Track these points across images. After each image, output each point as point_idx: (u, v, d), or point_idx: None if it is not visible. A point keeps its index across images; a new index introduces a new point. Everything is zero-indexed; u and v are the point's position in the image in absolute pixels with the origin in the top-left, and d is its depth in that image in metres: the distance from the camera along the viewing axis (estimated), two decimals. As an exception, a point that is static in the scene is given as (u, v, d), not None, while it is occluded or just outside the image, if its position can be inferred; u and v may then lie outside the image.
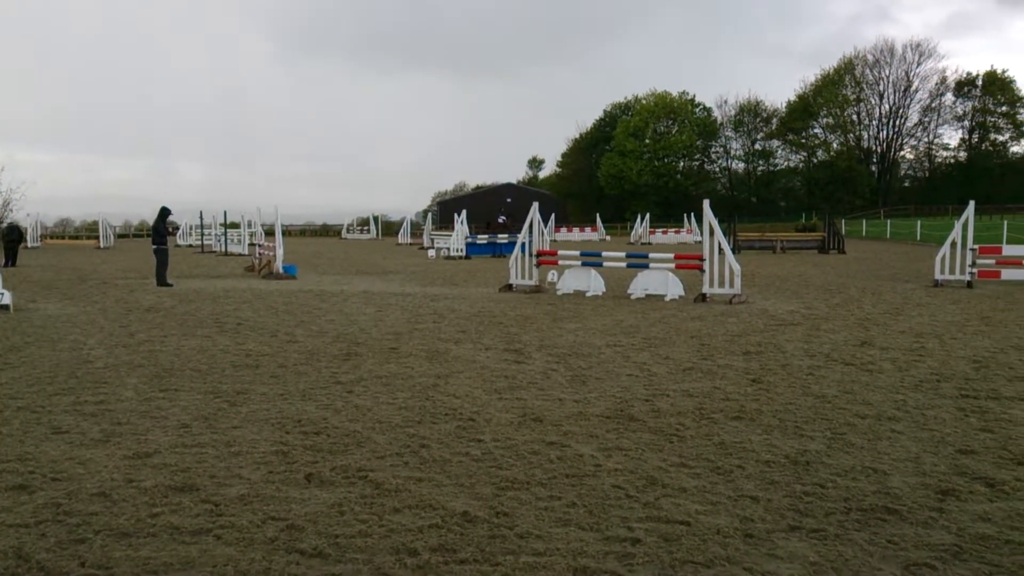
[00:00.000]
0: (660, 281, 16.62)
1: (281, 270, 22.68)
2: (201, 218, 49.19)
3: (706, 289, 15.80)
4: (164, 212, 20.95)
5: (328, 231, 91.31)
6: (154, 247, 20.50)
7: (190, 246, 51.02)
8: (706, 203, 16.47)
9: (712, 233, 15.98)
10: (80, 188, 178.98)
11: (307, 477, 5.14)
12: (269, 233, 28.61)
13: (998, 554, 3.93)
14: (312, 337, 11.17)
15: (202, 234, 48.27)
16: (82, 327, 12.29)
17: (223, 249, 41.35)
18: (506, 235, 37.16)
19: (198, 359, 9.47)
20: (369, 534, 4.21)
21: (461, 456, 5.58)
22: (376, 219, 77.46)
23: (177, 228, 41.94)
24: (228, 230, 43.50)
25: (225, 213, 44.40)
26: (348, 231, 76.81)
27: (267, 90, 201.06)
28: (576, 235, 62.74)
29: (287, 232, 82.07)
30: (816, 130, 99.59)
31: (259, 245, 27.02)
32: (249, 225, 42.27)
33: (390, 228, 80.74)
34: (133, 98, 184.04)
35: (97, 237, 52.23)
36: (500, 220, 41.85)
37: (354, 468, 5.30)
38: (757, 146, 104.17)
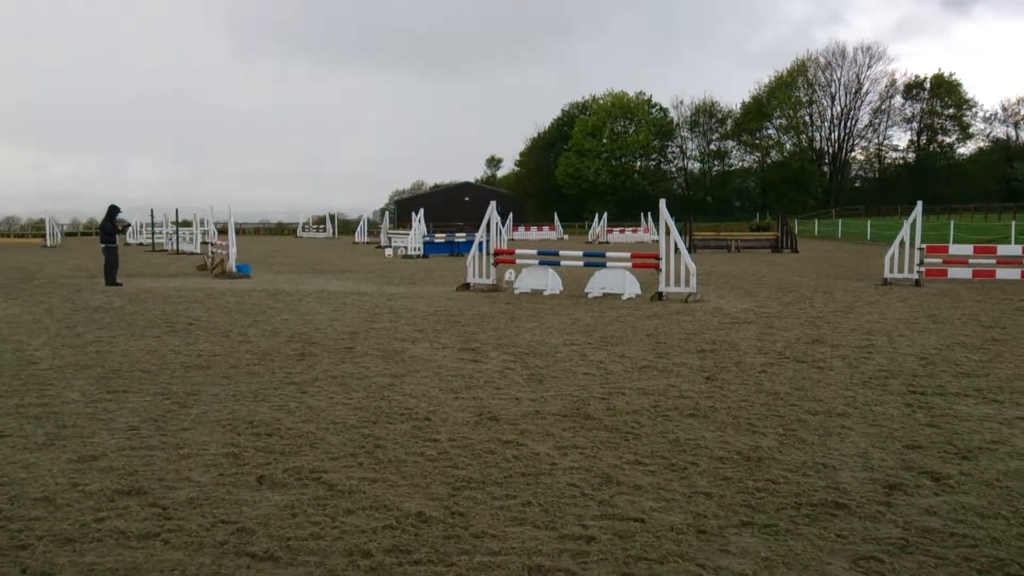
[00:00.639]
0: (617, 280, 16.70)
1: (234, 269, 22.39)
2: (152, 216, 48.40)
3: (662, 288, 15.92)
4: (113, 210, 20.54)
5: (283, 230, 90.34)
6: (103, 246, 20.09)
7: (140, 245, 50.12)
8: (662, 203, 16.60)
9: (668, 232, 16.10)
10: (27, 185, 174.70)
11: (259, 479, 5.06)
12: (222, 231, 28.19)
13: (943, 547, 4.00)
14: (265, 337, 11.04)
15: (153, 232, 47.48)
16: (27, 328, 12.01)
17: (175, 248, 40.73)
18: (463, 234, 37.11)
19: (147, 360, 9.30)
20: (322, 536, 4.16)
21: (416, 456, 5.54)
22: (332, 217, 76.89)
23: (128, 226, 41.13)
24: (180, 228, 42.81)
25: (177, 211, 43.75)
26: (304, 229, 76.13)
27: (222, 86, 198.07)
28: (534, 234, 62.91)
29: (241, 231, 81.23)
30: (770, 131, 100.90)
31: (212, 243, 26.62)
32: (202, 223, 41.65)
33: (347, 227, 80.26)
34: (82, 93, 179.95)
35: (44, 235, 51.13)
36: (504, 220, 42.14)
37: (307, 469, 5.24)
38: (712, 146, 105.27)
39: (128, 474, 5.16)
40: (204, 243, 31.18)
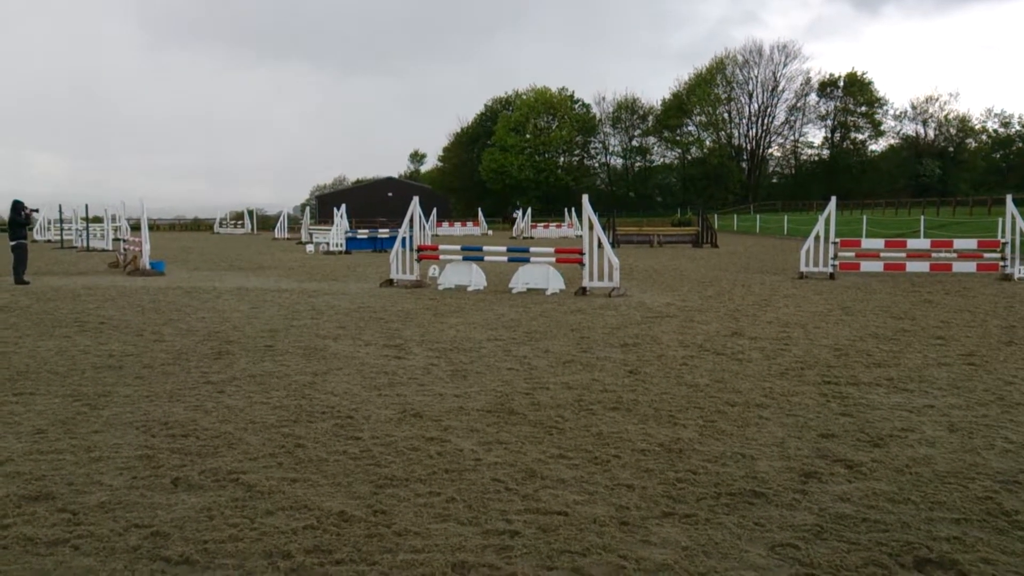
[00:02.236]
0: (541, 275, 16.77)
1: (148, 266, 21.75)
2: (60, 212, 46.66)
3: (586, 283, 16.05)
4: (17, 205, 19.66)
5: (200, 225, 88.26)
6: (12, 243, 19.25)
7: (48, 242, 48.24)
8: (585, 198, 16.73)
9: (591, 228, 16.24)
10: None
11: (174, 482, 4.92)
12: (135, 228, 27.39)
13: (856, 532, 4.12)
14: (181, 336, 10.74)
15: (61, 229, 45.76)
16: (-73, 328, 11.45)
17: (85, 245, 39.36)
18: (387, 230, 36.81)
19: (56, 360, 8.95)
20: (240, 538, 4.06)
21: (338, 455, 5.46)
22: (251, 213, 75.35)
23: (35, 211, 39.17)
24: (90, 224, 41.36)
25: (87, 207, 42.24)
26: (221, 225, 74.51)
27: (134, 80, 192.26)
28: (458, 229, 62.73)
29: (155, 227, 79.07)
30: (690, 128, 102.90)
31: (124, 240, 25.80)
32: (113, 219, 40.30)
33: (266, 222, 78.74)
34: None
35: (-57, 233, 48.83)
36: (515, 214, 41.81)
37: (225, 471, 5.11)
38: (635, 143, 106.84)
39: (36, 479, 4.95)
40: (116, 240, 30.23)
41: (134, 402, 6.99)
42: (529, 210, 59.99)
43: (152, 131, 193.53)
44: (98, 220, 43.03)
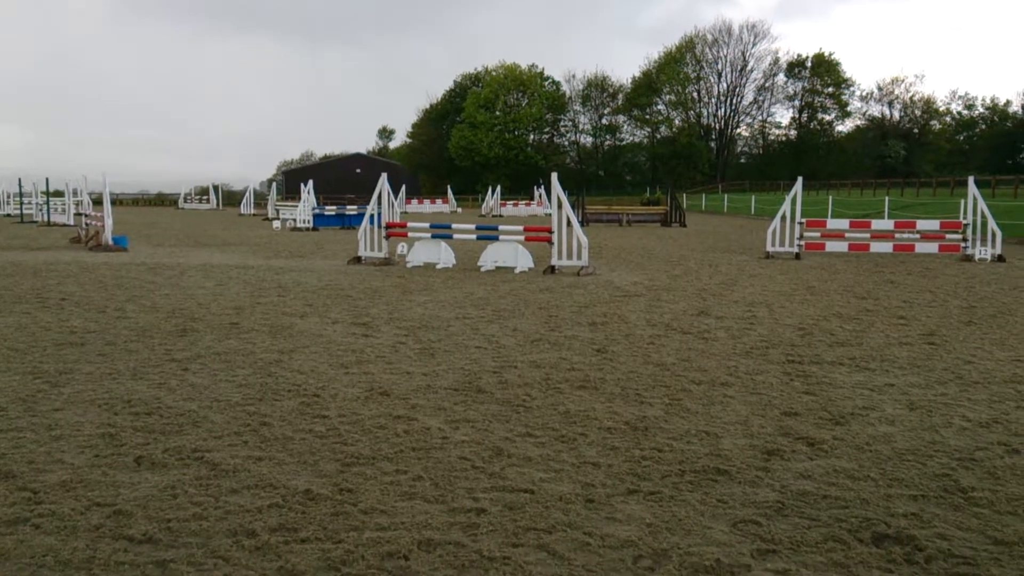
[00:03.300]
0: (510, 253, 16.76)
1: (110, 241, 21.42)
2: (20, 185, 45.76)
3: (555, 261, 16.07)
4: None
5: (164, 200, 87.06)
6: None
7: (8, 216, 47.33)
8: (554, 176, 16.72)
9: (561, 206, 16.24)
10: None
11: (137, 460, 4.87)
12: (97, 202, 26.91)
13: (816, 508, 4.18)
14: (144, 313, 10.61)
15: (21, 203, 44.88)
16: None
17: (45, 219, 38.66)
18: (355, 207, 36.54)
19: (16, 337, 8.81)
20: (204, 517, 4.04)
21: (304, 433, 5.44)
22: (217, 188, 74.45)
23: None
24: (51, 199, 40.61)
25: (47, 180, 41.45)
26: (186, 201, 73.47)
27: (98, 52, 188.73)
28: (427, 207, 62.44)
29: (119, 202, 77.93)
30: (659, 107, 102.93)
31: (86, 215, 25.38)
32: (75, 193, 39.61)
33: (232, 198, 77.88)
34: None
35: None
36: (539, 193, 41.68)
37: (189, 449, 5.07)
38: (604, 121, 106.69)
39: (-6, 458, 4.89)
40: (78, 214, 29.73)
41: (96, 379, 6.90)
42: (499, 188, 59.84)
43: (116, 104, 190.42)
44: (59, 194, 42.24)
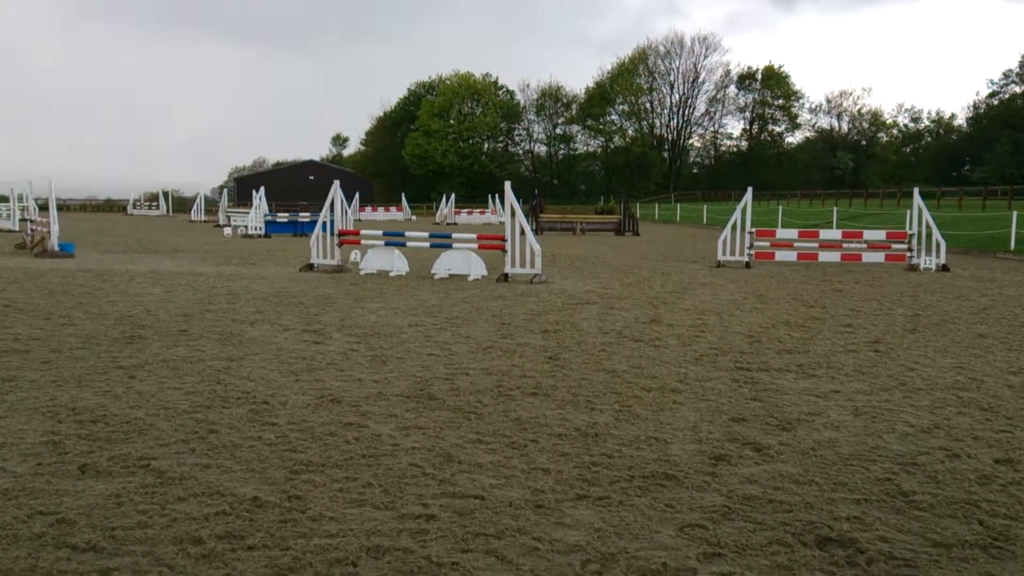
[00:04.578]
0: (463, 261, 16.76)
1: (57, 248, 21.00)
2: (-36, 190, 44.58)
3: (508, 269, 16.10)
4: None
5: (113, 206, 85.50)
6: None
7: (-49, 221, 46.10)
8: (507, 185, 16.76)
9: (514, 214, 16.28)
10: None
11: (81, 468, 4.78)
12: (43, 208, 26.37)
13: (762, 513, 4.25)
14: (91, 320, 10.41)
15: (-35, 208, 43.76)
16: None
17: (-9, 225, 37.72)
18: (307, 214, 36.25)
19: (-44, 344, 8.58)
20: (150, 525, 3.98)
21: (253, 440, 5.38)
22: (167, 194, 73.32)
23: None
24: (-4, 204, 39.65)
25: (-7, 185, 40.46)
26: (135, 207, 72.22)
27: (47, 56, 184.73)
28: (382, 215, 62.14)
29: (65, 207, 76.31)
30: (613, 117, 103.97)
31: (31, 221, 24.85)
32: (20, 199, 38.75)
33: (183, 204, 76.78)
34: None
35: None
36: (536, 199, 41.51)
37: (134, 457, 4.99)
38: (558, 130, 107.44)
39: (-70, 468, 4.76)
40: (23, 220, 29.07)
41: (40, 387, 6.75)
42: (453, 196, 59.79)
43: (64, 108, 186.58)
44: (4, 199, 41.25)
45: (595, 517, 4.16)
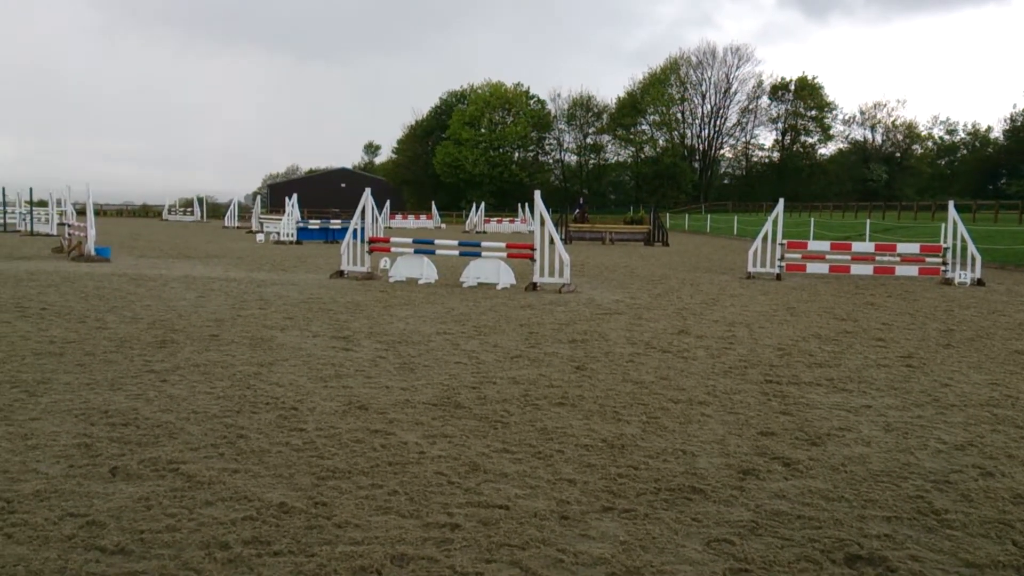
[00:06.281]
0: (492, 270, 16.78)
1: (93, 252, 21.32)
2: (3, 195, 45.45)
3: (536, 278, 16.10)
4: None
5: (148, 212, 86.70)
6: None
7: (-9, 225, 46.98)
8: (537, 194, 16.77)
9: (543, 223, 16.29)
10: None
11: (112, 471, 4.84)
12: (80, 212, 26.79)
13: (790, 528, 4.21)
14: (124, 323, 10.55)
15: (4, 212, 44.61)
16: None
17: (28, 229, 38.43)
18: (339, 221, 36.50)
19: (-7, 346, 8.73)
20: (178, 528, 4.02)
21: (281, 446, 5.42)
22: (201, 200, 74.26)
23: None
24: (35, 208, 40.38)
25: (31, 190, 41.22)
26: (170, 212, 73.31)
27: (87, 63, 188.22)
28: (411, 222, 62.48)
29: (101, 212, 77.47)
30: (644, 127, 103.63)
31: (69, 225, 25.26)
32: (58, 203, 39.42)
33: (217, 210, 77.69)
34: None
35: None
36: (579, 207, 41.80)
37: (164, 460, 5.04)
38: (589, 140, 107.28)
39: (-34, 467, 4.84)
40: (61, 224, 29.57)
41: (74, 390, 6.85)
42: (483, 205, 59.94)
43: (103, 115, 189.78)
44: (43, 204, 42.07)
45: (620, 530, 4.14)
